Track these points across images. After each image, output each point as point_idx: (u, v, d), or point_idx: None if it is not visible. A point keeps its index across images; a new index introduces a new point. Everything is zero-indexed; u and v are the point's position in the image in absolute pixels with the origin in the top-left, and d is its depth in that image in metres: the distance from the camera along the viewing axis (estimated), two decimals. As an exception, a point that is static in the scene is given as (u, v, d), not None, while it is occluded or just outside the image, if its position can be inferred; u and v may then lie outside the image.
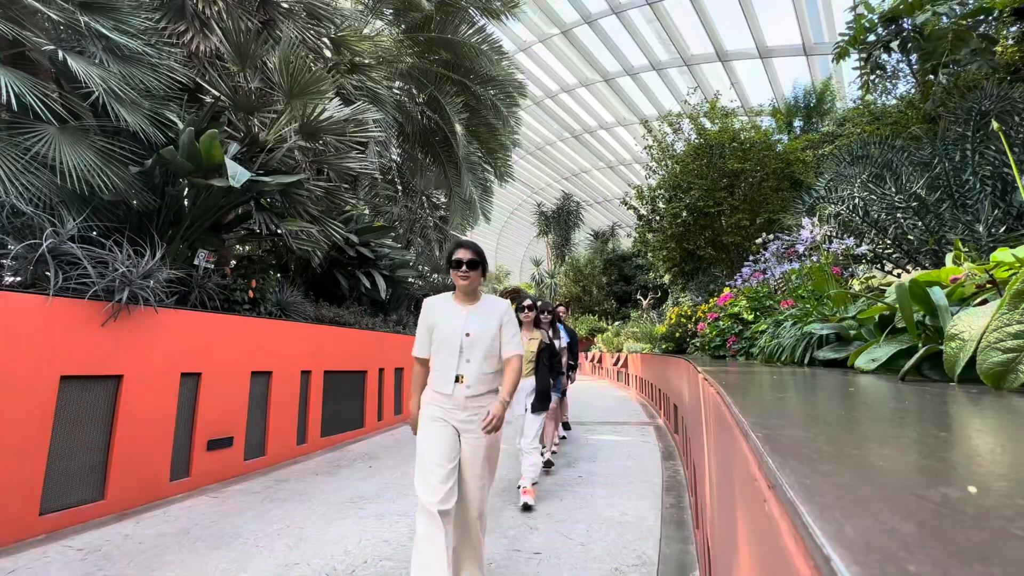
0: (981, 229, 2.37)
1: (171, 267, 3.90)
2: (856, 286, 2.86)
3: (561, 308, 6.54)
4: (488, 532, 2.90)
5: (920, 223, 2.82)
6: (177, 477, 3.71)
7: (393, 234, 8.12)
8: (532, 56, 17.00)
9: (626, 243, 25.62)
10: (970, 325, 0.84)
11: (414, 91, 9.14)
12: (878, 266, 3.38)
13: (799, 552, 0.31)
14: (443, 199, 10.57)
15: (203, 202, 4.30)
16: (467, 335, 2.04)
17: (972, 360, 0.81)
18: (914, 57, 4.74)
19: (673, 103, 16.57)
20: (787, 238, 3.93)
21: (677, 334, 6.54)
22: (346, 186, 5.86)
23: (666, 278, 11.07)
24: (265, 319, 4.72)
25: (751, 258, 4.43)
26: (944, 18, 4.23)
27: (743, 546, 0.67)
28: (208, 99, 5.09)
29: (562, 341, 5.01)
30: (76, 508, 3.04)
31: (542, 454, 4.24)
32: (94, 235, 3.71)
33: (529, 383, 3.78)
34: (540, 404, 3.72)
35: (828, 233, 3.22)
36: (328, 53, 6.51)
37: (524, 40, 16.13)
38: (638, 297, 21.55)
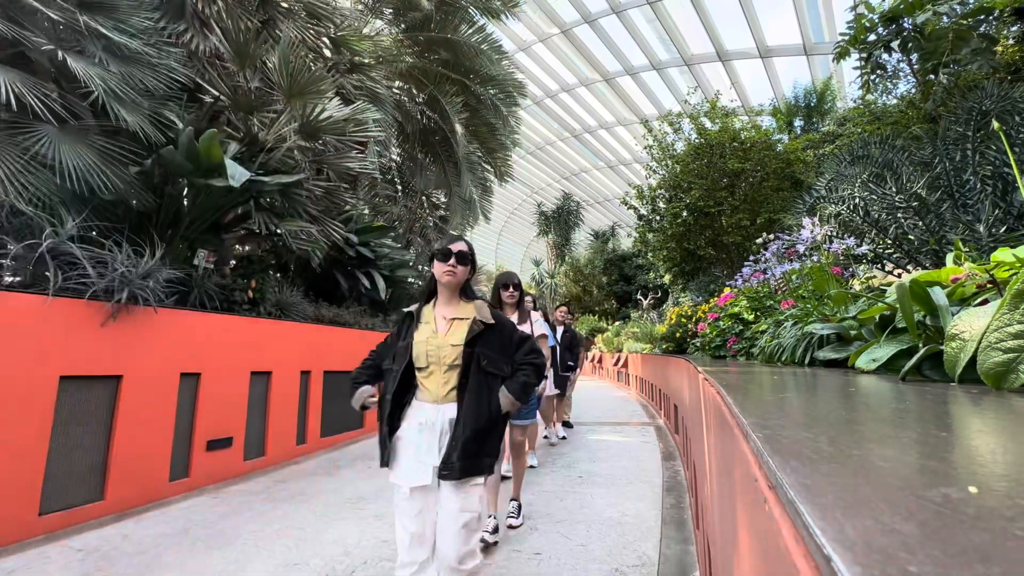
0: (982, 229, 2.37)
1: (171, 267, 3.90)
2: (856, 286, 2.85)
3: (563, 309, 5.97)
4: (488, 532, 2.90)
5: (920, 223, 2.82)
6: (177, 477, 3.71)
7: (393, 234, 8.12)
8: (532, 56, 16.99)
9: (626, 243, 25.63)
10: (971, 325, 0.84)
11: (414, 91, 9.14)
12: (878, 266, 3.38)
13: (800, 552, 0.31)
14: (443, 199, 10.57)
15: (202, 202, 4.30)
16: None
17: (973, 360, 0.81)
18: (914, 57, 4.73)
19: (673, 103, 16.58)
20: (787, 238, 3.93)
21: (677, 334, 6.54)
22: (346, 186, 5.86)
23: (666, 278, 11.06)
24: (265, 319, 4.72)
25: (751, 258, 4.42)
26: (944, 18, 4.23)
27: (744, 546, 0.67)
28: (208, 99, 5.09)
29: (532, 327, 3.54)
30: (76, 508, 3.04)
31: (486, 537, 2.63)
32: (94, 235, 3.71)
33: (440, 415, 1.75)
34: (471, 461, 1.67)
35: (828, 233, 3.22)
36: (328, 53, 6.50)
37: (524, 40, 16.12)
38: (638, 297, 21.55)
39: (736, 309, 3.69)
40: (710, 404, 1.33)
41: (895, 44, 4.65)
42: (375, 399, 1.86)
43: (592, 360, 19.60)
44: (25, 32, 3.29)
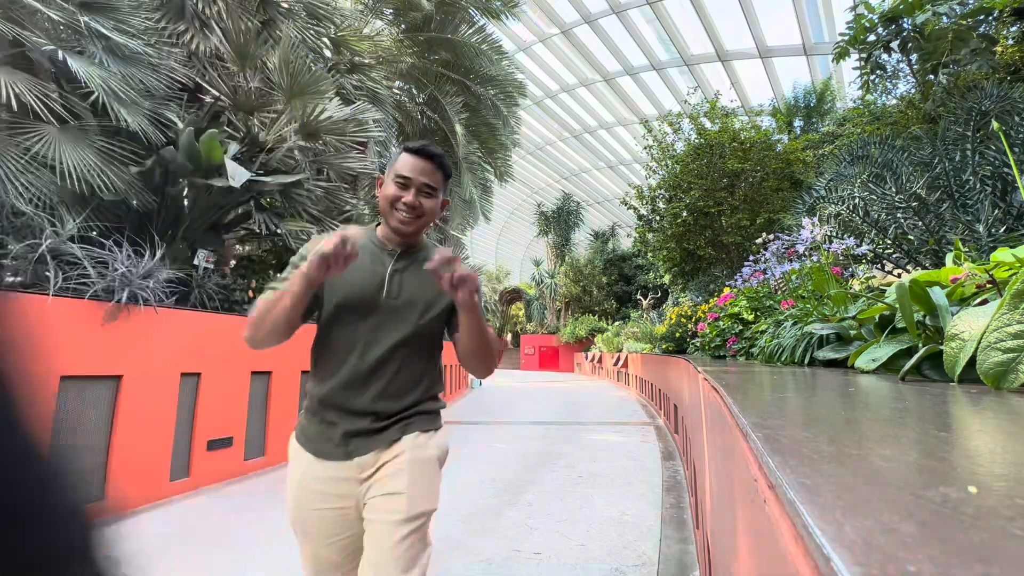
0: (981, 229, 2.37)
1: (171, 267, 3.90)
2: (856, 286, 2.85)
3: None
4: (488, 532, 2.91)
5: (920, 223, 2.82)
6: (177, 477, 3.71)
7: (393, 234, 8.10)
8: (532, 56, 17.00)
9: (626, 243, 25.65)
10: (970, 325, 0.84)
11: (414, 91, 9.14)
12: (878, 266, 3.38)
13: (799, 552, 0.31)
14: (443, 199, 10.57)
15: (203, 202, 4.30)
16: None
17: (972, 360, 0.81)
18: (914, 57, 4.74)
19: (673, 103, 16.58)
20: (787, 238, 3.92)
21: (677, 334, 6.54)
22: (346, 186, 5.86)
23: (666, 278, 11.06)
24: (265, 319, 4.72)
25: (751, 258, 4.42)
26: (944, 18, 4.23)
27: (743, 546, 0.67)
28: (208, 99, 5.09)
29: None
30: (76, 508, 3.04)
31: None
32: (94, 235, 3.71)
33: None
34: None
35: (828, 233, 3.22)
36: (328, 53, 6.51)
37: (524, 40, 16.12)
38: (638, 297, 21.54)
39: (736, 309, 3.69)
40: (710, 404, 1.33)
41: (895, 44, 4.65)
42: None
43: (592, 360, 19.56)
44: (26, 32, 3.29)
